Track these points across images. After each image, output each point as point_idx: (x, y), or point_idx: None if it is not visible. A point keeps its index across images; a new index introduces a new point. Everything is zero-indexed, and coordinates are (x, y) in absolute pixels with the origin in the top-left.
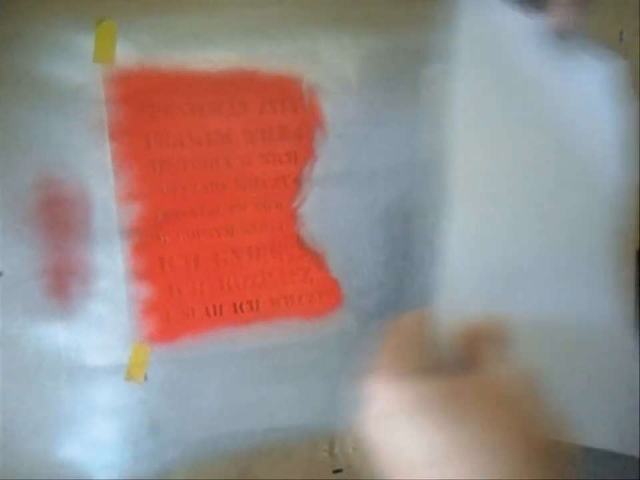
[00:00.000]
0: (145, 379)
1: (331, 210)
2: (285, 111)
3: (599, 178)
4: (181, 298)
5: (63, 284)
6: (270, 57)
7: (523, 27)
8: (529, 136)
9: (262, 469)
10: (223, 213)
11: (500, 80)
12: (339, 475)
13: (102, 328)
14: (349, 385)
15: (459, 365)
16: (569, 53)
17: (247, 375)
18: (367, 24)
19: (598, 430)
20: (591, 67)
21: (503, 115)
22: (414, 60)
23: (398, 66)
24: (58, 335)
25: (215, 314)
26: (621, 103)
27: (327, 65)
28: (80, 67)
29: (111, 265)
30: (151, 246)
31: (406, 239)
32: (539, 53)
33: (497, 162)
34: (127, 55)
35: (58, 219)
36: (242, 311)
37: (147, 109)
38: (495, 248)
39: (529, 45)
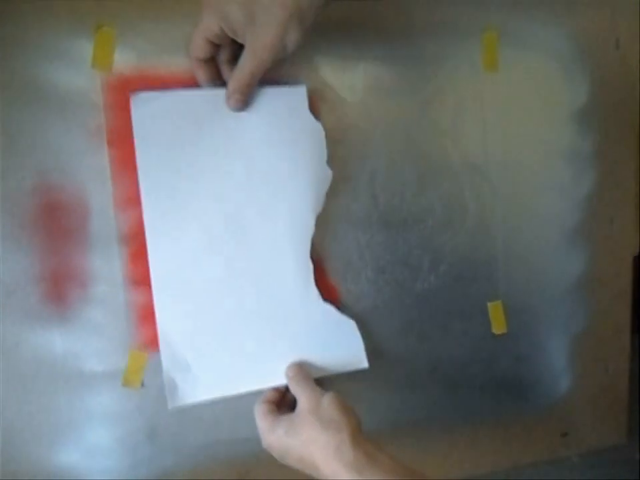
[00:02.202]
0: (142, 385)
1: (329, 215)
2: None
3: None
4: None
5: (60, 290)
6: None
7: (203, 100)
8: (229, 192)
9: (260, 475)
10: None
11: (185, 151)
12: None
13: (99, 334)
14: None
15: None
16: (254, 103)
17: None
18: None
19: None
20: (277, 107)
21: (194, 179)
22: (416, 67)
23: (399, 73)
24: (55, 341)
25: None
26: (305, 124)
27: (326, 71)
28: (79, 73)
29: (108, 271)
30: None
31: (404, 245)
32: (224, 114)
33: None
34: (125, 61)
35: (56, 224)
36: None
37: None
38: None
39: (212, 113)
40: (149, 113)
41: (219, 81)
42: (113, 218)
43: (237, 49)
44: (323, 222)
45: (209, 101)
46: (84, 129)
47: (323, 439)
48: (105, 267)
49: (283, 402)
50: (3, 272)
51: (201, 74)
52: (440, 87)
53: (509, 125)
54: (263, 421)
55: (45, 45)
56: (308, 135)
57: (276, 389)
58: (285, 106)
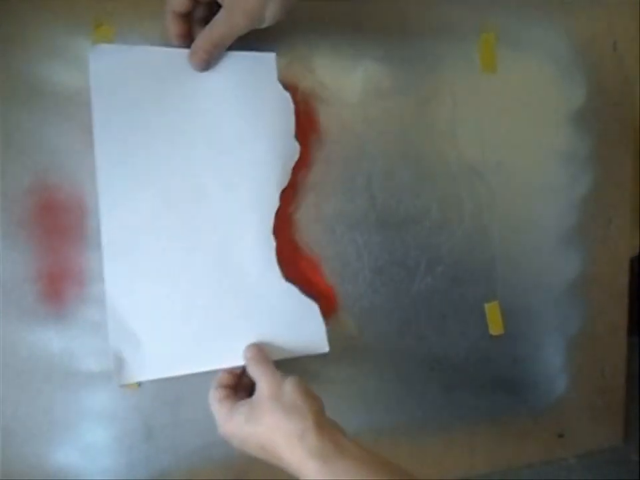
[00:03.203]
0: (139, 384)
1: (326, 216)
2: None
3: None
4: None
5: (57, 289)
6: None
7: (167, 58)
8: (184, 156)
9: (256, 476)
10: None
11: (144, 110)
12: None
13: (96, 333)
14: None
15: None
16: (220, 67)
17: None
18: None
19: None
20: (244, 72)
21: (149, 139)
22: (414, 68)
23: (397, 74)
24: (52, 340)
25: None
26: (273, 93)
27: (323, 72)
28: (77, 71)
29: None
30: None
31: (401, 246)
32: (189, 76)
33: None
34: None
35: (53, 223)
36: None
37: None
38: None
39: (175, 73)
40: (109, 66)
41: (189, 40)
42: None
43: (214, 9)
44: (321, 222)
45: (174, 60)
46: (82, 128)
47: (286, 426)
48: (102, 265)
49: (239, 386)
50: (0, 271)
51: (173, 28)
52: (438, 87)
53: (506, 126)
54: (219, 408)
55: (44, 43)
56: (275, 106)
57: (231, 372)
58: (252, 72)
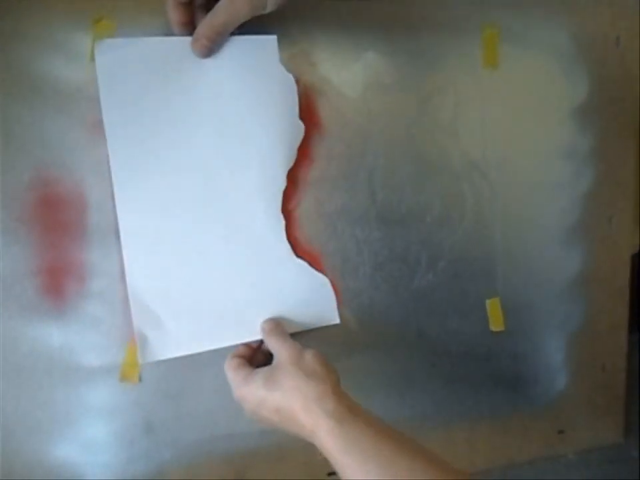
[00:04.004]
0: (140, 379)
1: (327, 212)
2: None
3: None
4: None
5: (58, 284)
6: None
7: (171, 47)
8: (193, 141)
9: (257, 471)
10: None
11: (152, 99)
12: (333, 477)
13: (97, 328)
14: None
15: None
16: (223, 52)
17: None
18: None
19: None
20: (246, 56)
21: (158, 126)
22: (416, 63)
23: (399, 69)
24: (53, 335)
25: None
26: (276, 75)
27: (325, 66)
28: (77, 66)
29: (106, 265)
30: None
31: (402, 242)
32: (192, 63)
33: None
34: None
35: (54, 218)
36: None
37: None
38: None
39: (179, 61)
40: (114, 60)
41: (191, 27)
42: (111, 211)
43: None
44: (321, 218)
45: (177, 48)
46: (82, 123)
47: (305, 389)
48: (103, 260)
49: (254, 358)
50: (0, 266)
51: (174, 16)
52: (440, 83)
53: (508, 122)
54: (235, 374)
55: (44, 38)
56: (279, 87)
57: (247, 345)
58: (254, 56)
